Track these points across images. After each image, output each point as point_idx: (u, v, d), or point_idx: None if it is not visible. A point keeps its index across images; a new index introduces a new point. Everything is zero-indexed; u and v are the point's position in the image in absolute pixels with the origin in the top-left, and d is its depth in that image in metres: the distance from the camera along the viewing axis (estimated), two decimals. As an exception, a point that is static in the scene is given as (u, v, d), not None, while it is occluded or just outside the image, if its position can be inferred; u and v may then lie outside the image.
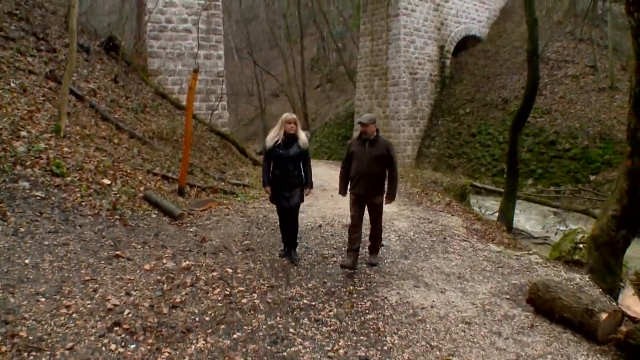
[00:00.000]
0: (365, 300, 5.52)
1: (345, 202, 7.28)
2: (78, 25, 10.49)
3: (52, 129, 8.31)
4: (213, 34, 17.54)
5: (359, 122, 6.42)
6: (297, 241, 6.95)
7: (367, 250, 6.98)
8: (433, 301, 5.66)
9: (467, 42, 28.63)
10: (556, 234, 14.26)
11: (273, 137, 6.34)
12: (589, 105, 21.81)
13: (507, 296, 6.00)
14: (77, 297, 4.81)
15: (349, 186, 6.64)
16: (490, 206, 16.85)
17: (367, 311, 5.26)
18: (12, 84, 8.86)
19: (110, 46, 14.47)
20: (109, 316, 4.54)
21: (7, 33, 10.43)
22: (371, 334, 4.76)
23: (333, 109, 39.77)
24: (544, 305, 5.53)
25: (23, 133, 7.76)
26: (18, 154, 7.18)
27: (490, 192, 19.58)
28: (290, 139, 6.29)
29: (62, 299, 4.72)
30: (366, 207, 6.59)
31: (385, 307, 5.41)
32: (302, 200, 6.61)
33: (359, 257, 6.62)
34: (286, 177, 6.35)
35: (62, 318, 4.40)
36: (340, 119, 33.35)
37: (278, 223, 6.93)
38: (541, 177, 20.77)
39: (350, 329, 4.82)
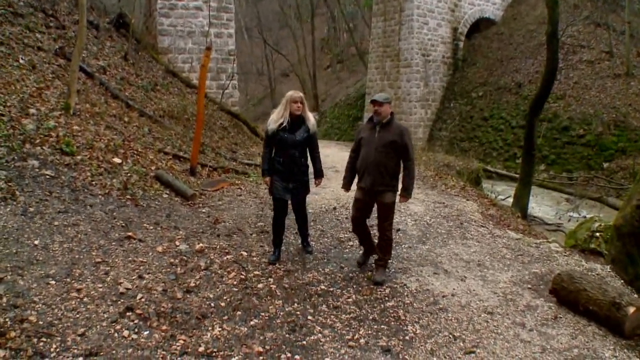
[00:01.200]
0: (384, 287, 5.35)
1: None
2: (87, 2, 10.25)
3: (61, 107, 8.12)
4: (224, 12, 17.21)
5: (372, 100, 5.37)
6: (309, 232, 6.38)
7: (373, 264, 5.81)
8: (454, 289, 5.48)
9: (480, 25, 28.04)
10: (569, 220, 14.03)
11: (277, 119, 5.44)
12: (604, 91, 21.32)
13: (529, 285, 5.82)
14: (88, 280, 4.65)
15: (355, 180, 5.72)
16: (502, 191, 16.60)
17: (386, 298, 5.09)
18: (21, 60, 8.65)
19: (120, 23, 14.20)
20: (121, 300, 4.39)
21: (16, 9, 10.19)
22: (392, 323, 4.58)
23: (343, 90, 39.36)
24: (568, 296, 5.33)
25: (32, 110, 7.57)
26: (27, 132, 7.00)
27: (502, 176, 19.31)
28: (296, 121, 5.46)
29: (73, 282, 4.57)
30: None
31: (405, 294, 5.24)
32: (308, 191, 5.88)
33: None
34: (291, 165, 5.51)
35: (73, 302, 4.25)
36: (351, 99, 32.98)
37: (275, 210, 5.82)
38: (554, 163, 20.43)
39: (370, 317, 4.65)
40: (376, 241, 5.77)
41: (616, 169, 18.67)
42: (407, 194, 5.46)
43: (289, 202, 5.78)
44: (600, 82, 21.72)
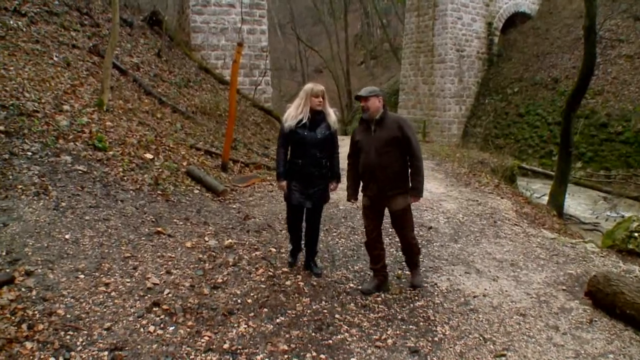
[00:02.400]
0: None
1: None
2: (121, 0, 10.38)
3: (95, 103, 8.24)
4: (256, 8, 17.24)
5: (356, 96, 4.86)
6: (317, 249, 5.57)
7: (406, 267, 5.46)
8: (485, 289, 5.32)
9: (516, 19, 27.40)
10: (606, 220, 13.61)
11: (295, 114, 4.85)
12: (643, 86, 20.59)
13: (563, 287, 5.60)
14: (117, 274, 4.68)
15: (360, 188, 5.09)
16: (538, 189, 16.20)
17: (416, 298, 4.97)
18: (55, 58, 8.81)
19: (153, 21, 14.38)
20: (148, 295, 4.39)
21: (51, 8, 10.40)
22: (421, 323, 4.46)
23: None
24: (604, 299, 5.09)
25: (66, 107, 7.70)
26: (61, 128, 7.12)
27: (537, 174, 18.87)
28: (317, 117, 4.88)
29: (102, 276, 4.60)
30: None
31: (435, 294, 5.11)
32: (328, 199, 5.24)
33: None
34: (311, 167, 4.91)
35: (101, 296, 4.27)
36: (384, 96, 32.68)
37: (290, 217, 5.32)
38: (591, 160, 19.83)
39: (399, 317, 4.54)
40: (399, 246, 5.33)
41: (656, 167, 18.04)
42: (417, 193, 4.81)
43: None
44: (639, 77, 20.98)
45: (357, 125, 5.05)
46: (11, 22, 9.08)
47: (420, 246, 5.37)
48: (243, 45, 9.52)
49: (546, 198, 13.38)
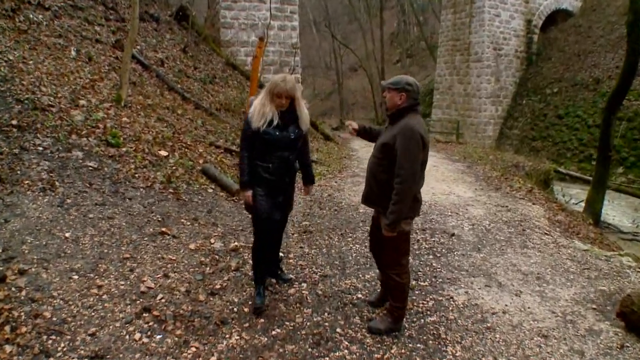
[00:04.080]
0: (427, 299, 4.86)
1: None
2: (149, -6, 10.30)
3: (112, 99, 8.12)
4: (287, 4, 17.04)
5: (381, 83, 4.22)
6: (281, 255, 5.13)
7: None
8: (506, 305, 4.91)
9: (556, 17, 26.44)
10: (648, 230, 12.89)
11: (264, 112, 4.08)
12: (690, 89, 19.50)
13: (594, 305, 5.13)
14: (112, 276, 4.47)
15: None
16: (575, 194, 15.50)
17: (428, 312, 4.61)
18: (73, 52, 8.73)
19: (180, 16, 14.30)
20: (140, 300, 4.17)
21: (76, 2, 10.37)
22: (430, 342, 4.10)
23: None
24: (638, 321, 4.63)
25: (82, 102, 7.58)
26: (74, 123, 6.99)
27: (575, 179, 18.09)
28: (288, 115, 4.17)
29: (96, 277, 4.40)
30: None
31: (450, 308, 4.73)
32: (292, 207, 4.65)
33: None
34: (283, 172, 4.24)
35: (91, 299, 4.07)
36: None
37: (261, 236, 4.36)
38: (633, 165, 18.86)
39: (407, 334, 4.19)
40: None
41: None
42: (389, 225, 3.75)
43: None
44: (689, 77, 19.87)
45: None
46: (34, 16, 9.06)
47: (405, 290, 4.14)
48: (264, 40, 9.25)
49: (583, 205, 12.75)
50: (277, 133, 4.12)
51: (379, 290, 4.69)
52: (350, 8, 46.55)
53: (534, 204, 9.41)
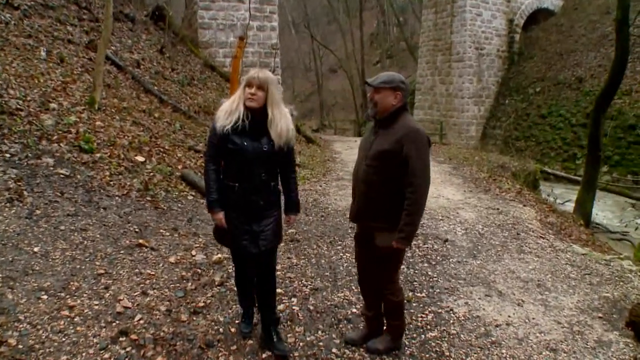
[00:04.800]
0: (426, 312, 4.55)
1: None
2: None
3: (86, 101, 7.69)
4: (267, 4, 16.68)
5: (365, 82, 3.64)
6: (278, 313, 3.97)
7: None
8: (509, 317, 4.63)
9: (538, 16, 26.46)
10: (637, 229, 12.76)
11: (231, 109, 3.26)
12: (675, 87, 19.57)
13: (599, 314, 4.88)
14: (85, 295, 4.08)
15: None
16: (560, 194, 15.38)
17: (428, 327, 4.29)
18: (43, 53, 8.27)
19: (157, 16, 13.85)
20: (117, 322, 3.78)
21: (47, 1, 9.87)
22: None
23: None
24: (651, 331, 4.39)
25: (53, 105, 7.15)
26: (44, 128, 6.57)
27: (560, 178, 18.02)
28: (261, 120, 3.29)
29: (67, 297, 4.00)
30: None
31: (451, 322, 4.43)
32: (280, 239, 3.62)
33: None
34: (252, 193, 3.33)
35: (62, 322, 3.67)
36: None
37: (238, 269, 3.75)
38: (618, 164, 18.84)
39: (408, 352, 3.86)
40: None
41: (690, 172, 17.07)
42: (403, 239, 3.33)
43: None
44: (671, 77, 19.98)
45: (368, 122, 3.78)
46: (2, 15, 8.56)
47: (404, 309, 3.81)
48: (245, 40, 8.89)
49: (570, 204, 12.60)
50: (246, 143, 3.22)
51: (361, 327, 4.09)
52: (330, 9, 46.25)
53: (524, 205, 9.21)
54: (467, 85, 24.04)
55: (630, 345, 4.30)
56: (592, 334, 4.46)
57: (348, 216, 4.01)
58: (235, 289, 3.94)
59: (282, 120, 3.29)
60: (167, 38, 12.85)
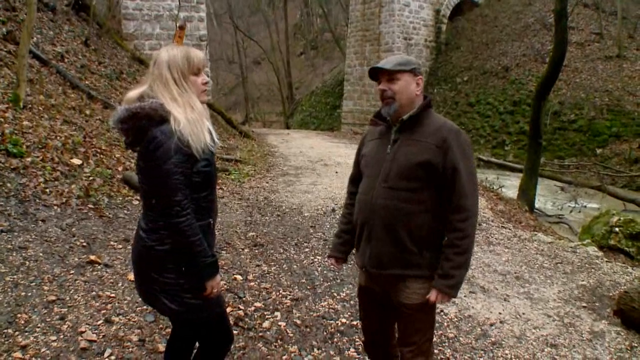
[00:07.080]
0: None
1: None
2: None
3: (9, 99, 6.81)
4: (195, -6, 15.88)
5: (372, 68, 2.49)
6: None
7: None
8: (499, 313, 4.46)
9: (463, 7, 27.09)
10: (571, 211, 13.27)
11: (198, 116, 2.17)
12: (595, 74, 20.61)
13: (583, 303, 4.84)
14: (38, 329, 3.44)
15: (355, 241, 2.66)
16: (492, 181, 15.75)
17: (425, 333, 4.02)
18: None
19: (79, 6, 12.75)
20: (82, 360, 3.21)
21: (-48, -14, 8.76)
22: (442, 372, 3.52)
23: (319, 77, 38.25)
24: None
25: (-30, 104, 6.26)
26: (-37, 130, 5.71)
27: (490, 164, 18.52)
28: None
29: (17, 334, 3.34)
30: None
31: (445, 324, 4.18)
32: (184, 306, 2.29)
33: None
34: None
35: (15, 367, 3.06)
36: (328, 87, 31.95)
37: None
38: (544, 150, 19.60)
39: (413, 365, 3.56)
40: None
41: (610, 155, 18.03)
42: (449, 286, 2.34)
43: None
44: (590, 64, 21.04)
45: (370, 127, 2.66)
46: None
47: None
48: (185, 29, 8.25)
49: (505, 190, 12.86)
50: (213, 160, 2.28)
51: (356, 339, 3.64)
52: (253, 0, 45.45)
53: (475, 194, 9.21)
54: (397, 75, 24.23)
55: (622, 334, 4.26)
56: (583, 325, 4.37)
57: (328, 256, 3.07)
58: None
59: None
60: (91, 29, 11.85)
